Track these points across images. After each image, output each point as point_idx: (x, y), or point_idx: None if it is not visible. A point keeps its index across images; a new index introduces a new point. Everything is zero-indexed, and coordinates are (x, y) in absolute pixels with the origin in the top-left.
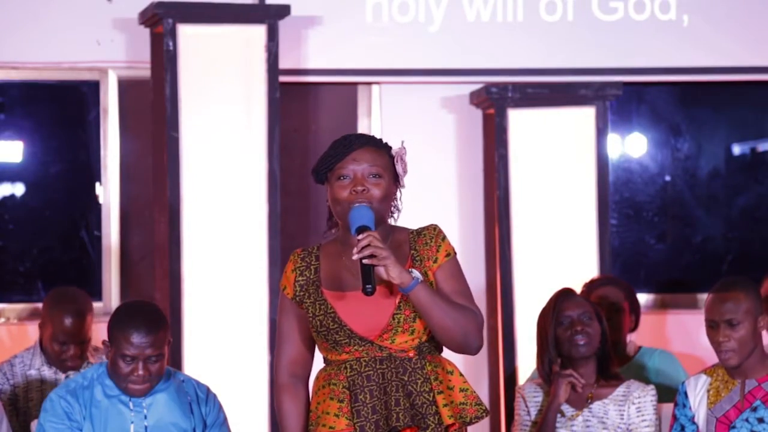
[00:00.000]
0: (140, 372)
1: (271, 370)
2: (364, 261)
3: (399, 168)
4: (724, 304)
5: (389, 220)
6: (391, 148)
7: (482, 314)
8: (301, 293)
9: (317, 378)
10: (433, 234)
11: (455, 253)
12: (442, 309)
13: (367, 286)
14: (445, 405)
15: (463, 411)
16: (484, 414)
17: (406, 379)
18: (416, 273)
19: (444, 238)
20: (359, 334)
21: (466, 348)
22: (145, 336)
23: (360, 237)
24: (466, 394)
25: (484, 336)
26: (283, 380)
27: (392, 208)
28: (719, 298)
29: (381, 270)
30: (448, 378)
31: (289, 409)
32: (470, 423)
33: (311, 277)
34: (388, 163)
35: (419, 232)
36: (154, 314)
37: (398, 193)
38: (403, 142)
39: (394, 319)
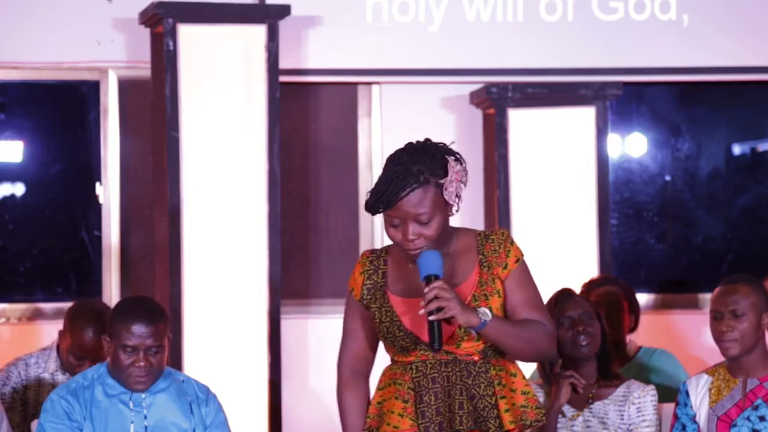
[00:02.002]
0: (141, 363)
1: (271, 369)
2: (430, 317)
3: (447, 196)
4: (730, 296)
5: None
6: (439, 176)
7: (551, 321)
8: (368, 297)
9: (384, 373)
10: (501, 239)
11: (523, 256)
12: (513, 336)
13: (434, 344)
14: (507, 410)
15: (524, 414)
16: (543, 418)
17: (470, 382)
18: (483, 311)
19: (512, 242)
20: (426, 341)
21: (539, 359)
22: (146, 326)
23: (426, 290)
24: (528, 397)
25: None
26: (345, 375)
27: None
28: (726, 290)
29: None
30: (511, 381)
31: (351, 403)
32: (530, 426)
33: (378, 281)
34: (436, 196)
35: (487, 236)
36: (154, 306)
37: (456, 206)
38: (458, 161)
39: (460, 329)
